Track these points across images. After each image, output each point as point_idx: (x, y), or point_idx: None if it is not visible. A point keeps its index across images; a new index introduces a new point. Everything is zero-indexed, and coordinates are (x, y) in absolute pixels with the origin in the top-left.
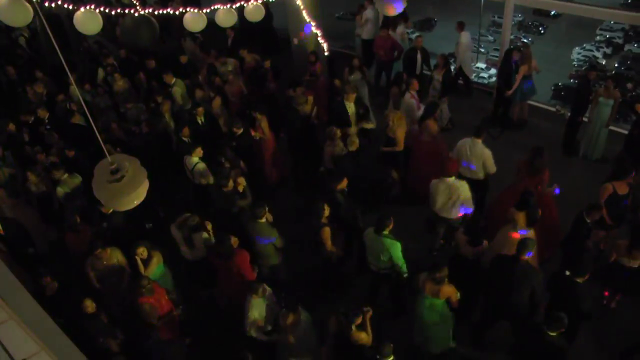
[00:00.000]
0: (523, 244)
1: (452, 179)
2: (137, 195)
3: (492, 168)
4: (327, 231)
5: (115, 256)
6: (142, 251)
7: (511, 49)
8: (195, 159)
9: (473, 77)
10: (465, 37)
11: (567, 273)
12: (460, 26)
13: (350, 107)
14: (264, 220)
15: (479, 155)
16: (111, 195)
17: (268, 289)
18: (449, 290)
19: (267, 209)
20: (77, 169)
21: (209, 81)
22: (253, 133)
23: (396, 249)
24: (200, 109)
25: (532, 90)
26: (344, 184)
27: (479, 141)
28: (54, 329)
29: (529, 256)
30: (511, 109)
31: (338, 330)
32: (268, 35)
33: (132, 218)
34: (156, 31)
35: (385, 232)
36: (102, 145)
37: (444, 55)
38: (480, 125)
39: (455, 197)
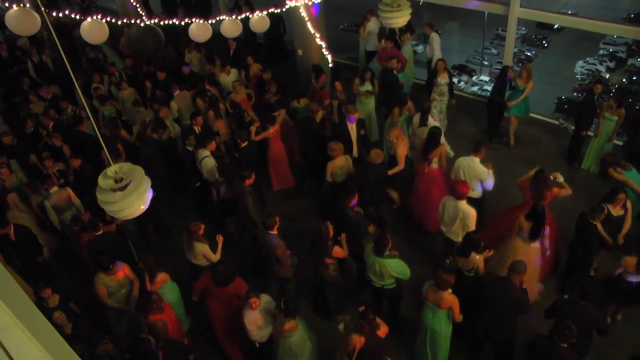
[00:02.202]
0: (513, 266)
1: (463, 203)
2: (140, 203)
3: (490, 185)
4: (337, 250)
5: (123, 270)
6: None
7: (507, 67)
8: (206, 152)
9: (476, 89)
10: (435, 37)
11: (565, 296)
12: (430, 27)
13: (353, 130)
14: (275, 231)
15: (478, 173)
16: (114, 203)
17: (263, 297)
18: (451, 300)
19: (277, 219)
20: (81, 177)
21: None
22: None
23: (398, 265)
24: (199, 119)
25: (528, 108)
26: (354, 199)
27: (477, 159)
28: (57, 337)
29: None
30: (509, 124)
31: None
32: (275, 46)
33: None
34: (161, 41)
35: (387, 253)
36: (107, 154)
37: (443, 59)
38: (478, 141)
39: (465, 222)
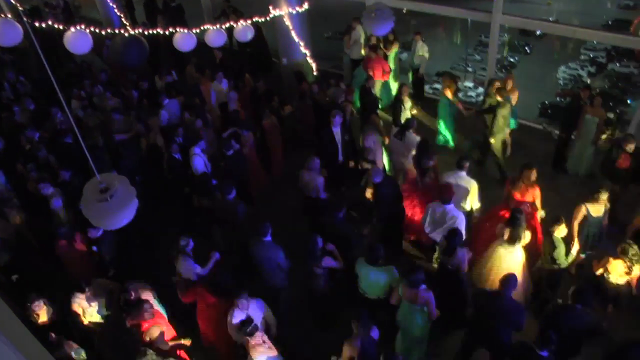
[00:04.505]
0: (506, 280)
1: (451, 207)
2: (126, 214)
3: (476, 203)
4: (328, 260)
5: (102, 285)
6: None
7: (493, 79)
8: (196, 150)
9: (461, 95)
10: (423, 45)
11: (560, 301)
12: (418, 35)
13: (338, 136)
14: (269, 238)
15: (462, 188)
16: (100, 214)
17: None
18: (425, 296)
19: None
20: (67, 188)
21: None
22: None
23: (392, 274)
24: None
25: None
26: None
27: (464, 173)
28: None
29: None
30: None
31: (361, 348)
32: (260, 55)
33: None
34: (146, 53)
35: (380, 262)
36: (92, 164)
37: (406, 85)
38: (461, 156)
39: (451, 223)
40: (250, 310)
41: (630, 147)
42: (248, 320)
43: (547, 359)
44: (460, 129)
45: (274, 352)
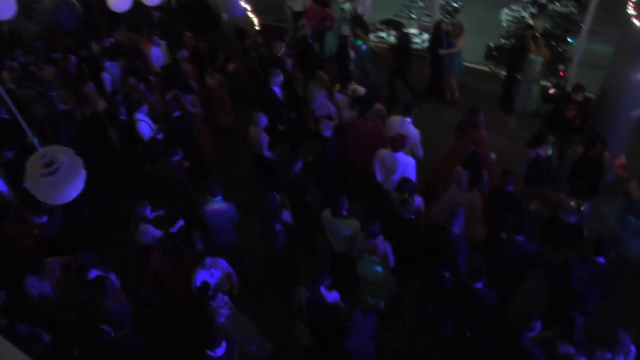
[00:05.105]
0: (453, 214)
1: (401, 154)
2: (74, 186)
3: (419, 151)
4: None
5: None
6: None
7: (439, 22)
8: (139, 116)
9: None
10: None
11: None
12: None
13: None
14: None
15: (407, 135)
16: (47, 189)
17: (214, 260)
18: (384, 246)
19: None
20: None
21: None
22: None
23: (356, 228)
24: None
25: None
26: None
27: (409, 120)
28: None
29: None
30: (445, 83)
31: (310, 296)
32: (202, 13)
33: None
34: (79, 16)
35: (344, 214)
36: (32, 138)
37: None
38: (409, 103)
39: (402, 171)
40: (213, 270)
41: (580, 96)
42: (205, 286)
43: (482, 290)
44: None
45: (237, 313)
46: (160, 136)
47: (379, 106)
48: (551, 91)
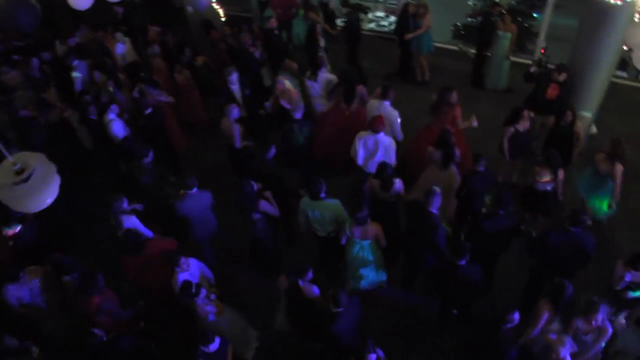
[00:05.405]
0: (429, 193)
1: (382, 135)
2: (49, 192)
3: (399, 134)
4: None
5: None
6: None
7: (406, 4)
8: (110, 116)
9: (373, 25)
10: None
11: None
12: None
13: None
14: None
15: (387, 117)
16: (20, 198)
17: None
18: (375, 228)
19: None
20: None
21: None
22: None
23: (338, 208)
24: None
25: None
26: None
27: (387, 103)
28: None
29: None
30: (415, 64)
31: (289, 287)
32: (165, 7)
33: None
34: (37, 15)
35: (322, 196)
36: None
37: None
38: (385, 85)
39: (383, 151)
40: (191, 269)
41: (562, 77)
42: (187, 285)
43: (465, 266)
44: None
45: (220, 307)
46: (129, 135)
47: (360, 88)
48: (532, 69)
